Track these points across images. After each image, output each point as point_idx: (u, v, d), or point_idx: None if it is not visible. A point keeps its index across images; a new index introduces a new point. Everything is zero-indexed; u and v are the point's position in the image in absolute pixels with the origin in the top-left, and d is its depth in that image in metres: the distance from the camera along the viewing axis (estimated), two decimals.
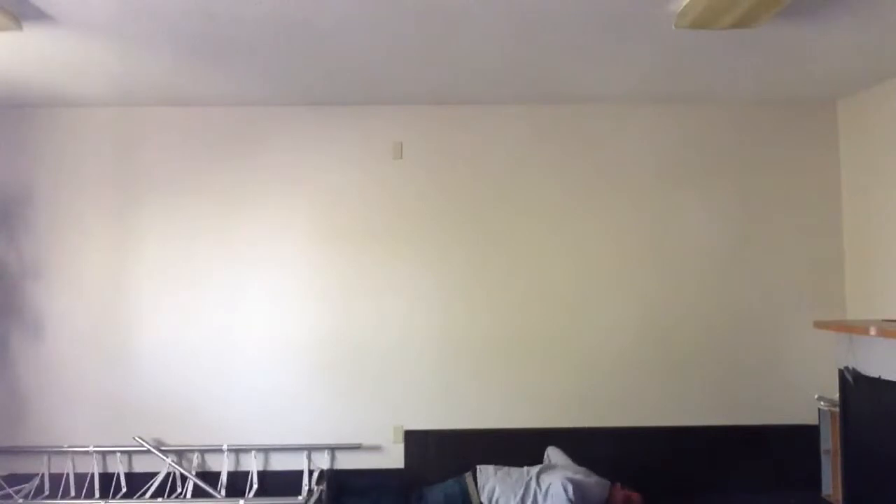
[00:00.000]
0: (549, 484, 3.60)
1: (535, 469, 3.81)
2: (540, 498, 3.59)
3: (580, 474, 3.73)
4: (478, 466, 3.82)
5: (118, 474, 4.32)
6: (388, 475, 4.31)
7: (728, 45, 3.46)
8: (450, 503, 3.63)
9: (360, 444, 4.38)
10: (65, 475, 4.30)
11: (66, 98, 4.30)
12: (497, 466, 3.82)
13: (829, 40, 3.42)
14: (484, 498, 3.63)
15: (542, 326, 4.46)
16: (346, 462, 4.38)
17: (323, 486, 3.67)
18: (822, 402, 4.16)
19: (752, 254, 4.52)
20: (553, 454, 4.07)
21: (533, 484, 3.67)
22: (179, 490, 4.26)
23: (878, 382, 3.28)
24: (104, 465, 4.36)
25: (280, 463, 4.36)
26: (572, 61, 3.73)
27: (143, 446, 4.28)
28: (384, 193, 4.51)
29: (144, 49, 3.46)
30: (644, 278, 4.49)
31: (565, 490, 3.51)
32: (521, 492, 3.62)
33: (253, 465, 4.32)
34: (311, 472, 4.31)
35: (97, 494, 4.24)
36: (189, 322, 4.43)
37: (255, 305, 4.45)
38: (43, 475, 4.30)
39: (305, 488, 4.21)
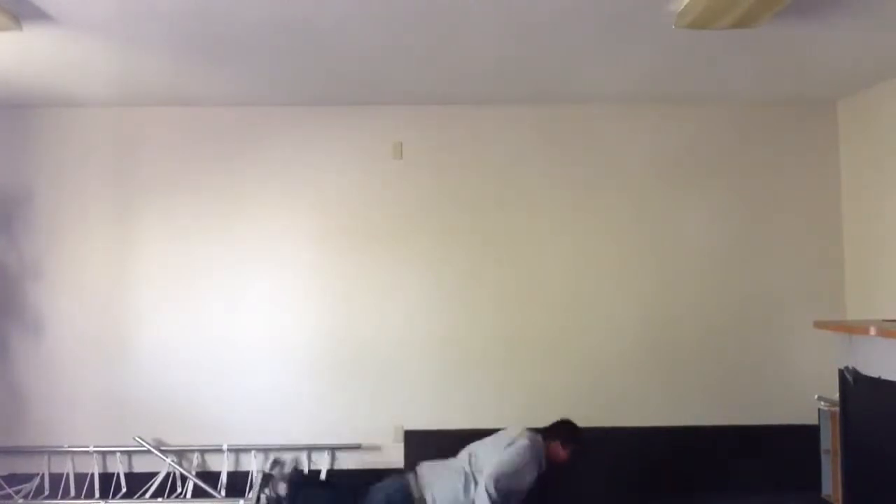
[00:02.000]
0: (477, 487, 3.56)
1: (465, 453, 3.75)
2: (473, 487, 3.57)
3: (504, 446, 3.64)
4: (419, 464, 3.79)
5: (118, 474, 4.31)
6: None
7: (728, 45, 3.46)
8: (391, 501, 3.62)
9: (360, 445, 4.38)
10: (65, 475, 4.30)
11: (66, 98, 4.30)
12: (435, 461, 3.77)
13: (829, 40, 3.42)
14: (427, 494, 3.61)
15: (542, 326, 4.46)
16: (347, 462, 4.38)
17: (276, 474, 3.70)
18: (822, 402, 4.15)
19: (751, 254, 4.52)
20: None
21: (468, 468, 3.62)
22: (179, 490, 4.26)
23: (878, 382, 3.28)
24: (104, 465, 4.36)
25: None
26: (572, 61, 3.73)
27: (143, 446, 4.28)
28: (384, 193, 4.50)
29: (144, 49, 3.46)
30: (644, 278, 4.49)
31: (489, 494, 3.47)
32: (462, 481, 3.59)
33: (253, 465, 4.32)
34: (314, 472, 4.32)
35: (97, 494, 4.24)
36: (189, 322, 4.43)
37: (255, 305, 4.45)
38: (43, 475, 4.30)
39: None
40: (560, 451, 3.75)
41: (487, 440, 3.80)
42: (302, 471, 4.15)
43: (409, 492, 3.60)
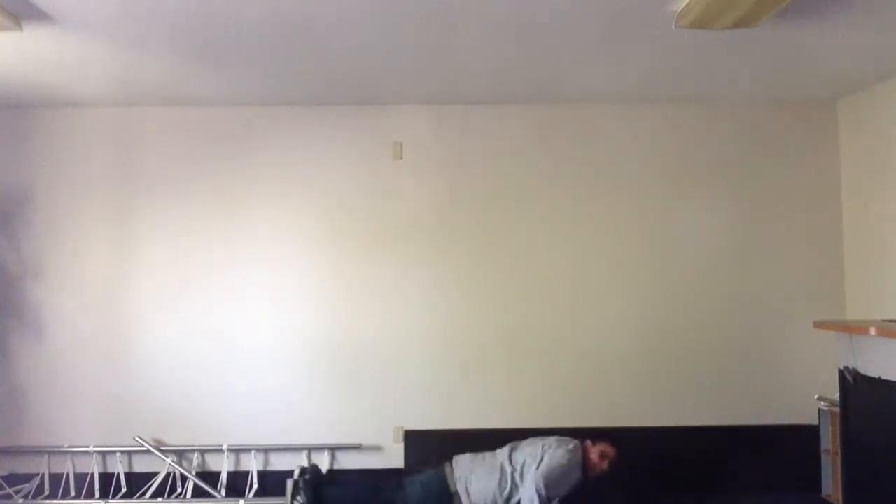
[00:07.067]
0: (524, 487, 3.57)
1: (505, 450, 3.77)
2: (518, 479, 3.59)
3: (549, 448, 3.68)
4: (454, 457, 3.80)
5: (118, 474, 4.31)
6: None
7: (728, 45, 3.46)
8: (426, 492, 3.64)
9: (360, 445, 4.38)
10: (65, 475, 4.30)
11: (66, 98, 4.30)
12: (473, 454, 3.80)
13: (829, 40, 3.42)
14: (460, 486, 3.63)
15: (543, 327, 4.46)
16: (347, 462, 4.38)
17: (300, 481, 3.73)
18: (822, 402, 4.16)
19: (751, 253, 4.52)
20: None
21: (507, 467, 3.65)
22: (179, 490, 4.26)
23: (878, 382, 3.28)
24: (104, 465, 4.36)
25: (280, 463, 4.36)
26: (572, 61, 3.73)
27: (143, 446, 4.28)
28: (384, 193, 4.50)
29: (144, 49, 3.46)
30: (644, 278, 4.49)
31: (539, 494, 3.49)
32: (497, 476, 3.61)
33: (253, 465, 4.32)
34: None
35: (97, 494, 4.24)
36: (189, 322, 4.43)
37: (255, 305, 4.45)
38: (43, 475, 4.30)
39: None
40: (598, 460, 3.75)
41: (529, 440, 3.82)
42: (319, 470, 4.08)
43: (445, 484, 3.62)
